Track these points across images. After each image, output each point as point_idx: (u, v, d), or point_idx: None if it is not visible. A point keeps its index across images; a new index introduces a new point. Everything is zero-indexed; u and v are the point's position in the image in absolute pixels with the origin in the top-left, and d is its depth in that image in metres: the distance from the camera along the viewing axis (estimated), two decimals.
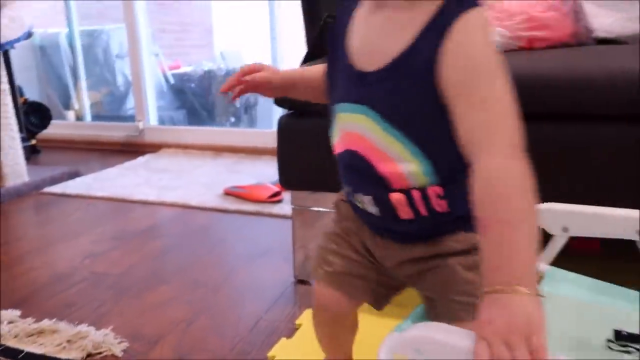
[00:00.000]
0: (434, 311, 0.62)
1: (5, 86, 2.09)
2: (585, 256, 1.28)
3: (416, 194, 0.56)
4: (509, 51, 1.01)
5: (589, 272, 0.83)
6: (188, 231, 1.68)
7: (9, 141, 2.10)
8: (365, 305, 0.69)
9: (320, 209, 1.19)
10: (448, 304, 0.59)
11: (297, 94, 0.74)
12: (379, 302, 0.69)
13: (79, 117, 3.42)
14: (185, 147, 2.74)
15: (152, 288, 1.28)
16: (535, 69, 0.95)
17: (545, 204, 0.78)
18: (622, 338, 0.63)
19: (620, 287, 0.75)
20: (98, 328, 1.09)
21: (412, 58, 0.51)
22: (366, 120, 0.55)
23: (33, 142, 2.74)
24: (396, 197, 0.57)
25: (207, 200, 1.93)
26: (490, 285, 0.40)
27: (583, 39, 1.03)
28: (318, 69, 0.68)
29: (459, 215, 0.56)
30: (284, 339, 1.03)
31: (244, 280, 1.31)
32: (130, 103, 3.45)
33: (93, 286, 1.31)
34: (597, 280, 0.77)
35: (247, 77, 0.70)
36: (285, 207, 1.77)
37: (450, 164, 0.53)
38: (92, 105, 3.47)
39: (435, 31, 0.49)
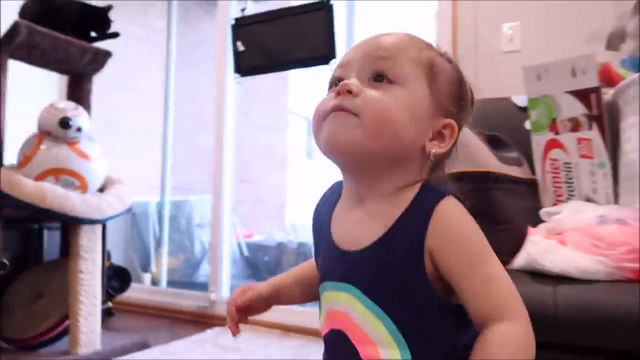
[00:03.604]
0: None
1: (99, 255, 2.23)
2: None
3: None
4: (614, 281, 0.97)
5: None
6: None
7: (90, 307, 2.17)
8: None
9: None
10: None
11: (289, 297, 0.76)
12: None
13: (155, 281, 3.54)
14: (253, 323, 2.70)
15: None
16: None
17: None
18: None
19: None
20: None
21: (394, 239, 0.56)
22: (350, 298, 0.59)
23: (109, 304, 2.82)
24: None
25: None
26: None
27: None
28: (309, 264, 0.73)
29: None
30: None
31: None
32: (202, 270, 3.57)
33: None
34: None
35: (239, 301, 0.72)
36: None
37: (426, 344, 0.57)
38: (169, 271, 3.62)
39: (416, 215, 0.55)
